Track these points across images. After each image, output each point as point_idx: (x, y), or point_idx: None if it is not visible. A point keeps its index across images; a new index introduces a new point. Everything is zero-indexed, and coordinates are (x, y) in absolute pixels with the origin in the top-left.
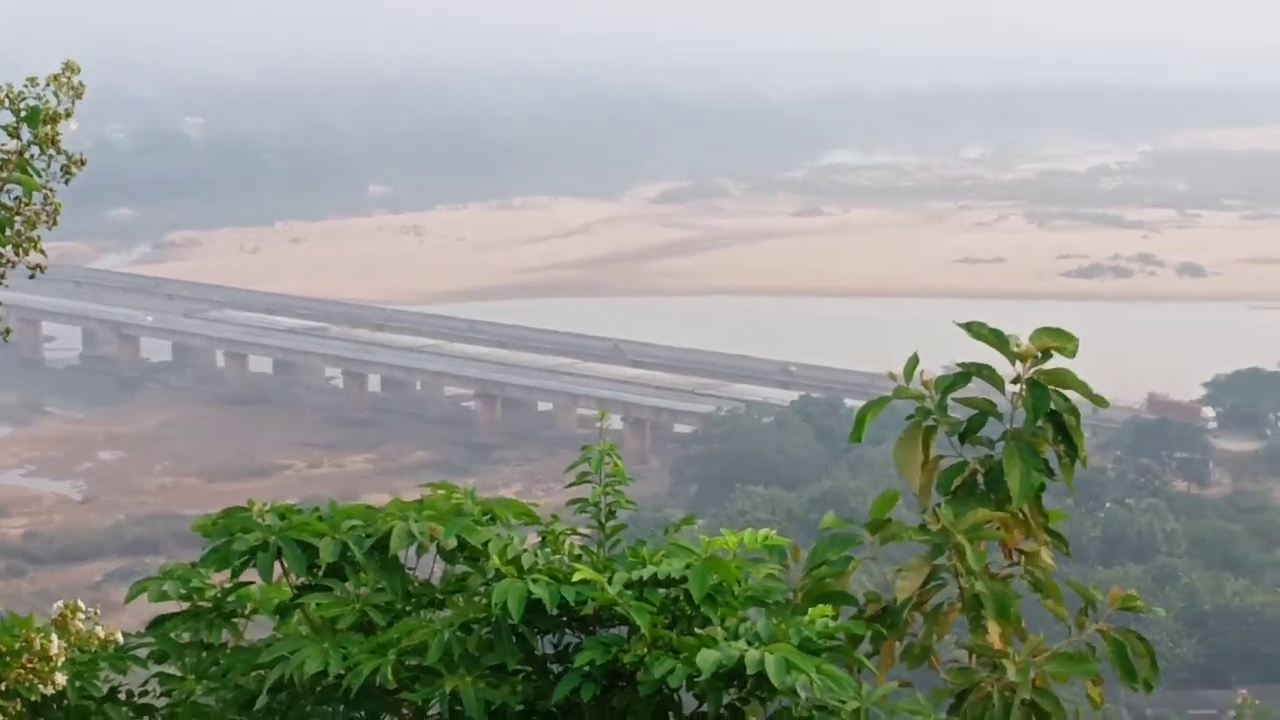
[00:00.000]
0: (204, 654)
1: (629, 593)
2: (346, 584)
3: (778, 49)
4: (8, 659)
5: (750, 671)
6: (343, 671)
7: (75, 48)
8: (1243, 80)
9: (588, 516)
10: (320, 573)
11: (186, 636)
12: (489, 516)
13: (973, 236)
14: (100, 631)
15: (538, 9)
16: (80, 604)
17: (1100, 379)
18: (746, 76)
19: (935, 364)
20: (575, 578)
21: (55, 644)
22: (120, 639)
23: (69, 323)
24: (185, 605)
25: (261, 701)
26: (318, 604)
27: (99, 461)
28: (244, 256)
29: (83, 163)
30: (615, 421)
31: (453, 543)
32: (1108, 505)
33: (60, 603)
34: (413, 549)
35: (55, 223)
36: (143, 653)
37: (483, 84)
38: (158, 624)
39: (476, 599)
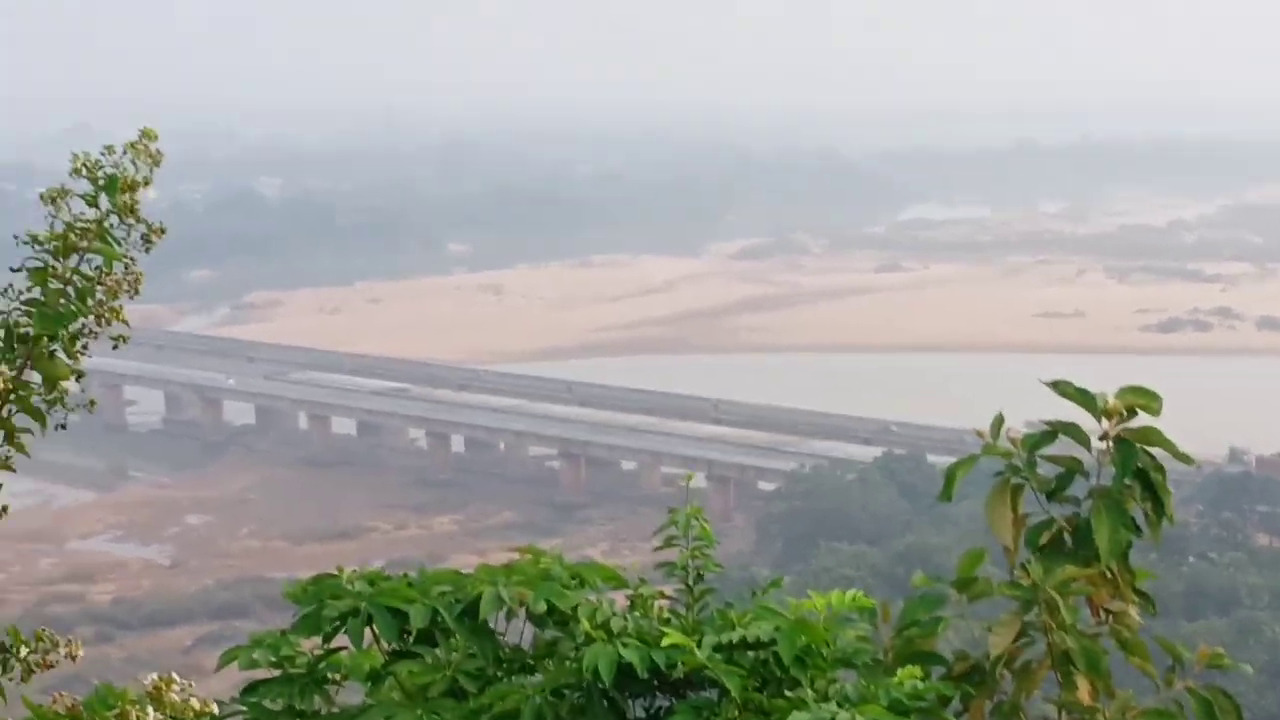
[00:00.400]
0: None
1: (718, 656)
2: (437, 650)
3: (854, 106)
4: None
5: None
6: None
7: (151, 113)
8: None
9: (675, 579)
10: (411, 638)
11: (279, 704)
12: (577, 580)
13: (1052, 291)
14: (195, 703)
15: (615, 68)
16: (175, 676)
17: (1181, 433)
18: (824, 133)
19: (1016, 419)
20: (665, 642)
21: (151, 716)
22: (215, 710)
23: (151, 386)
24: (276, 672)
25: None
26: (409, 671)
27: (185, 526)
28: (324, 317)
29: (162, 231)
30: (699, 479)
31: (542, 608)
32: (1191, 559)
33: (154, 675)
34: (502, 614)
35: (137, 292)
36: None
37: (561, 143)
38: (251, 690)
39: (567, 664)
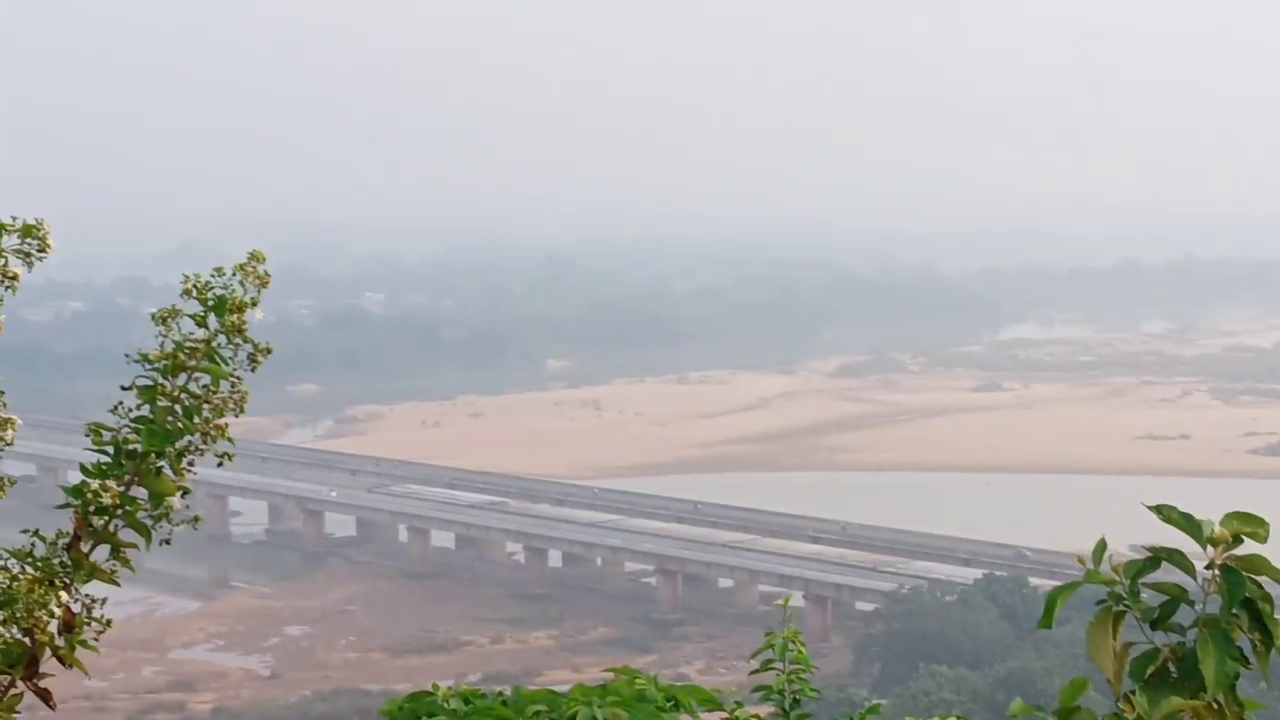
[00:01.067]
0: None
1: None
2: None
3: (951, 221)
4: None
5: None
6: None
7: (261, 229)
8: None
9: (772, 703)
10: None
11: None
12: (672, 702)
13: (1156, 413)
14: None
15: (711, 184)
16: None
17: None
18: (923, 251)
19: (1119, 543)
20: None
21: None
22: None
23: (255, 498)
24: None
25: None
26: None
27: (285, 636)
28: (425, 430)
29: (269, 351)
30: (797, 599)
31: None
32: None
33: None
34: None
35: (242, 410)
36: None
37: (658, 258)
38: None
39: None
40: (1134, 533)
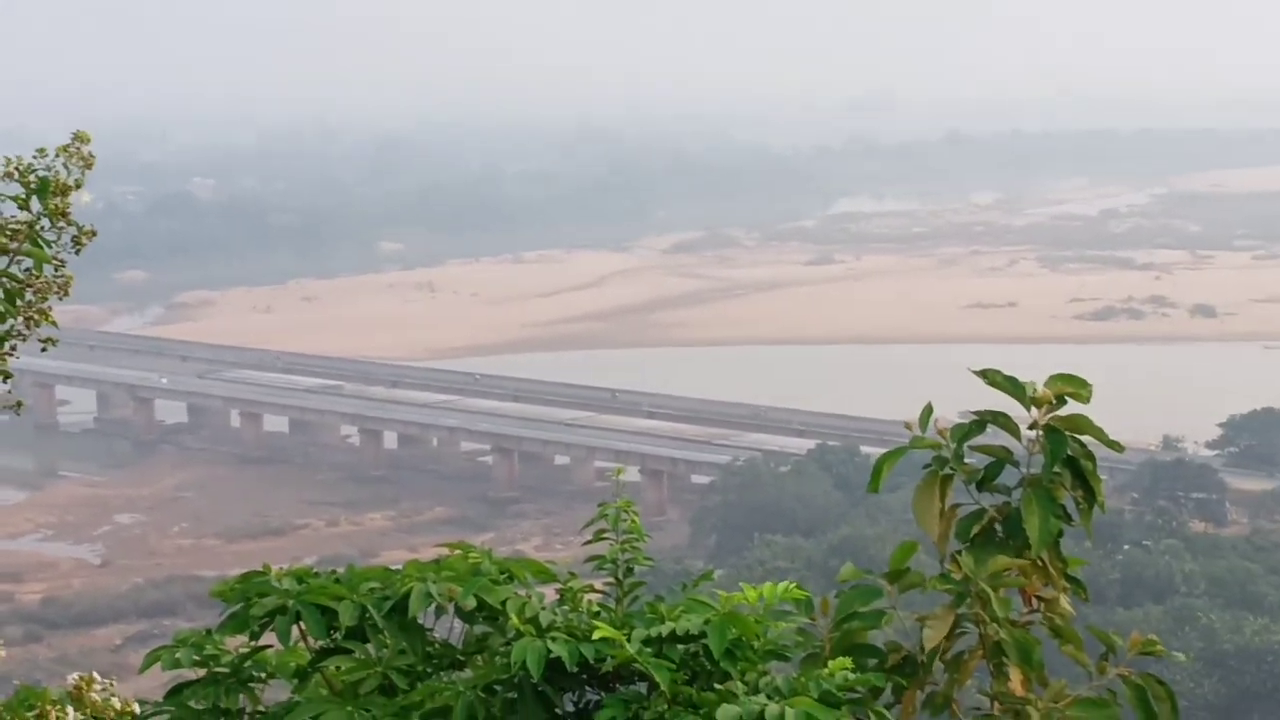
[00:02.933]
0: (219, 719)
1: (648, 649)
2: (367, 647)
3: (785, 100)
4: None
5: None
6: None
7: (83, 115)
8: (1251, 121)
9: (606, 573)
10: (339, 636)
11: (205, 704)
12: (506, 575)
13: (985, 281)
14: (116, 702)
15: (543, 65)
16: (96, 675)
17: (1115, 421)
18: (754, 128)
19: (951, 410)
20: (595, 635)
21: (71, 716)
22: (136, 709)
23: (83, 386)
24: (201, 672)
25: None
26: (339, 667)
27: (116, 525)
28: (257, 316)
29: (93, 234)
30: (633, 473)
31: (471, 603)
32: (1126, 547)
33: (75, 674)
34: (431, 610)
35: (66, 294)
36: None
37: (491, 139)
38: (175, 693)
39: (498, 659)
40: (965, 400)
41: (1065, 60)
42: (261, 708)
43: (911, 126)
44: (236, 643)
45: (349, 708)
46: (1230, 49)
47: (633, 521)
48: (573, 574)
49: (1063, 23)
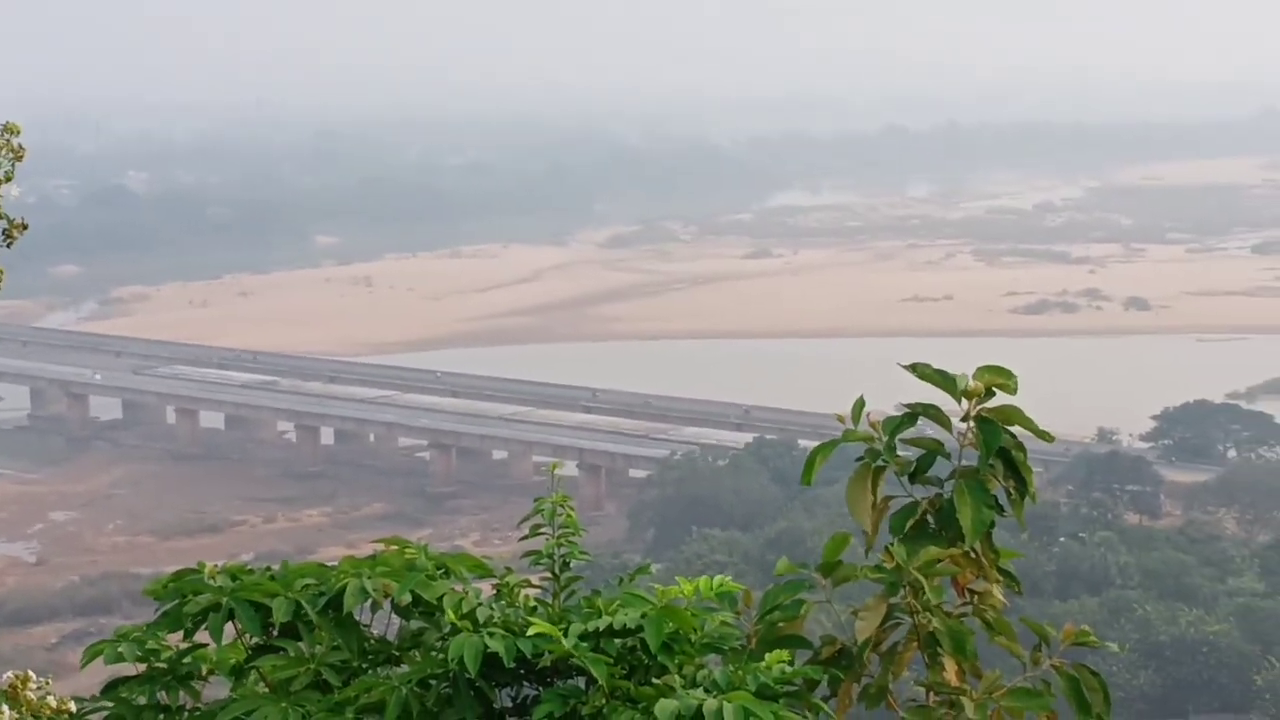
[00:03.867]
0: (160, 717)
1: (585, 644)
2: (301, 644)
3: (723, 94)
4: None
5: None
6: None
7: (15, 106)
8: (1183, 115)
9: (543, 568)
10: (275, 632)
11: (143, 700)
12: (443, 571)
13: (921, 275)
14: (52, 700)
15: (483, 57)
16: (31, 674)
17: (1049, 414)
18: (693, 122)
19: (887, 403)
20: (530, 631)
21: (6, 715)
22: (73, 708)
23: (15, 382)
24: (141, 667)
25: None
26: (272, 665)
27: (51, 522)
28: (192, 311)
29: (24, 227)
30: (570, 468)
31: (407, 599)
32: (1061, 539)
33: (10, 673)
34: (367, 606)
35: None
36: (99, 718)
37: (429, 133)
38: (113, 687)
39: (433, 654)
40: (902, 393)
41: (1001, 53)
42: (200, 705)
43: (850, 120)
44: (178, 639)
45: (283, 704)
46: (1163, 42)
47: (569, 516)
48: (509, 569)
49: (998, 16)
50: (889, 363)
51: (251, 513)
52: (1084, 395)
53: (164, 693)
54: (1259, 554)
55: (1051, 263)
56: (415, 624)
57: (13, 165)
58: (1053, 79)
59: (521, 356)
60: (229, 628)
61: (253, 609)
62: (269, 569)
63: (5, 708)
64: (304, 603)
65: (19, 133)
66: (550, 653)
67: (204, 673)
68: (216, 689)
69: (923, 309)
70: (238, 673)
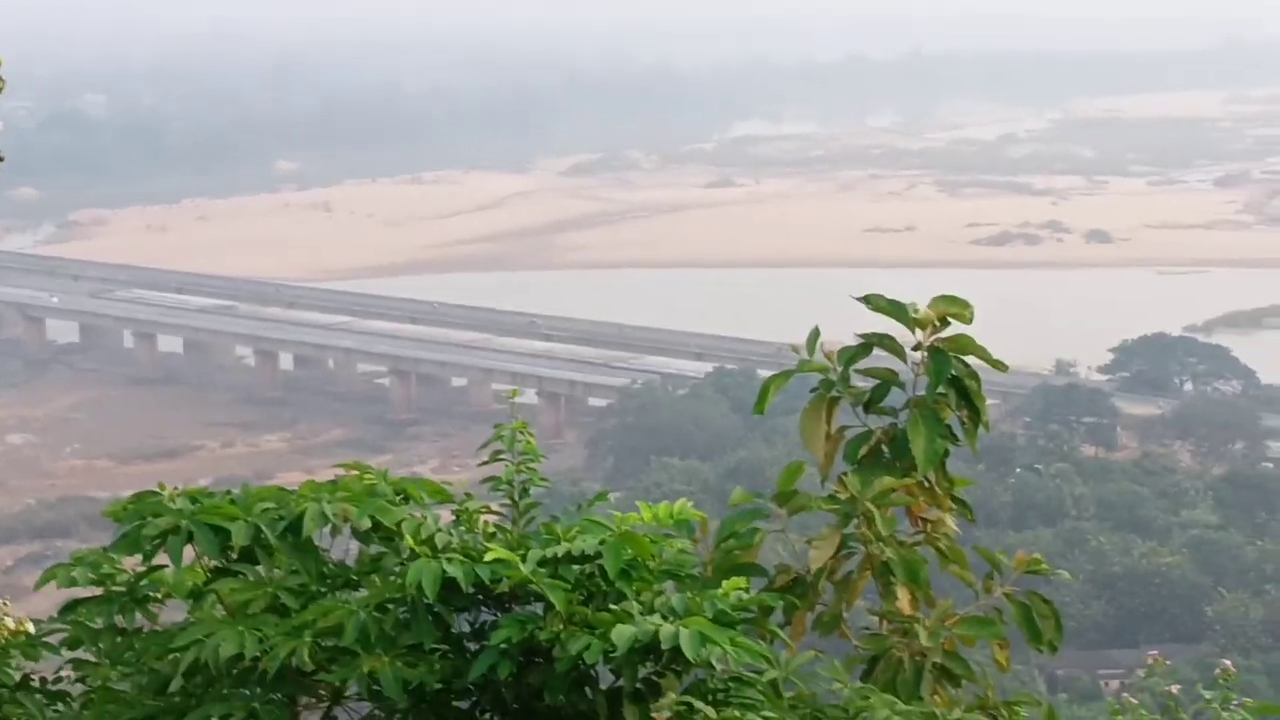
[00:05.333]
0: (118, 639)
1: (543, 570)
2: (259, 567)
3: (686, 19)
4: None
5: (665, 646)
6: (258, 654)
7: None
8: (1146, 46)
9: (502, 494)
10: (233, 556)
11: (100, 622)
12: (402, 496)
13: (883, 205)
14: (10, 621)
15: None
16: None
17: (1009, 345)
18: (655, 47)
19: (847, 334)
20: (488, 557)
21: None
22: (31, 629)
23: None
24: (98, 590)
25: (175, 685)
26: (230, 588)
27: (7, 445)
28: (150, 235)
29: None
30: (530, 396)
31: (366, 524)
32: (1018, 471)
33: None
34: (326, 531)
35: None
36: (56, 639)
37: (389, 55)
38: (70, 609)
39: (392, 579)
40: (862, 324)
41: None
42: (157, 627)
43: (813, 46)
44: (134, 563)
45: (240, 627)
46: None
47: (528, 443)
48: (469, 495)
49: None
50: (849, 294)
51: (210, 438)
52: (1044, 327)
53: (121, 615)
54: (1213, 486)
55: (1014, 194)
56: (374, 549)
57: None
58: (1016, 7)
59: (482, 284)
60: (187, 551)
61: (212, 532)
62: (229, 493)
63: None
64: (263, 526)
65: (1, 63)
66: (508, 578)
67: (160, 595)
68: (173, 612)
69: (884, 239)
70: (195, 596)
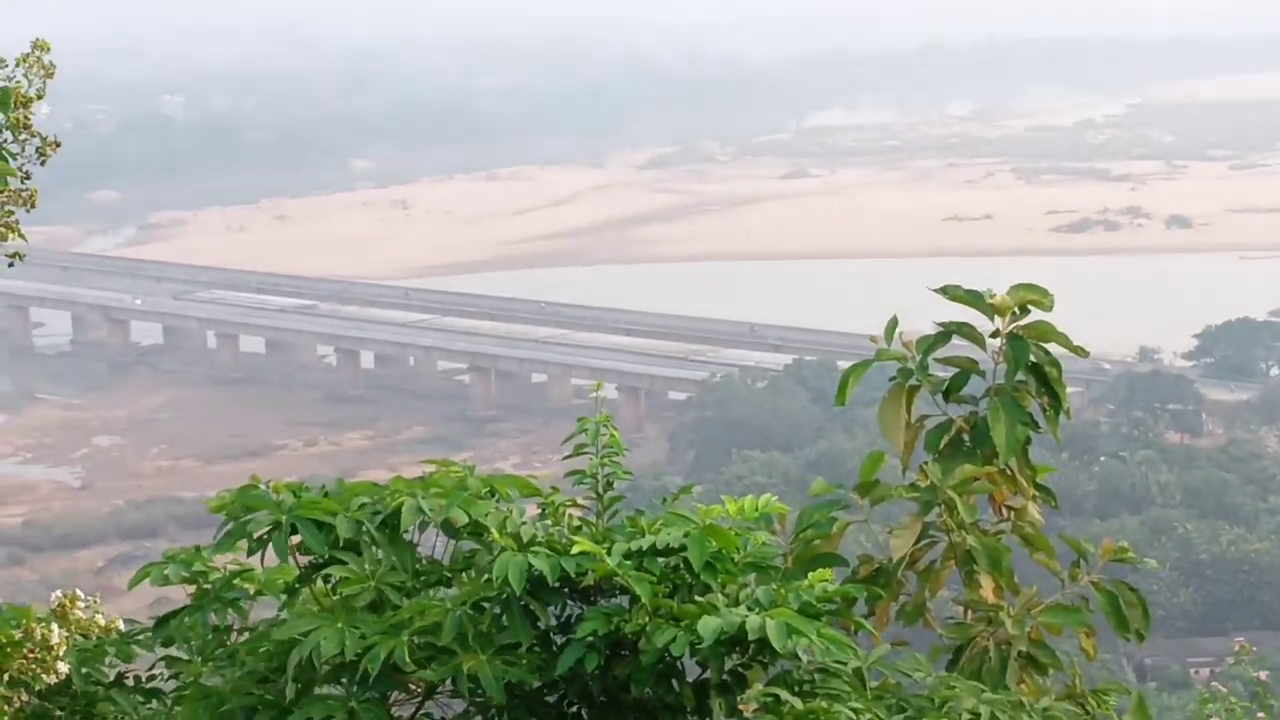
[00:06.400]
0: (209, 636)
1: (629, 563)
2: (349, 565)
3: (759, 12)
4: (9, 650)
5: (752, 637)
6: (359, 652)
7: (49, 32)
8: (1223, 30)
9: (586, 488)
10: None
11: (190, 619)
12: (490, 491)
13: (961, 194)
14: (101, 620)
15: None
16: (79, 593)
17: (1091, 332)
18: (729, 40)
19: (926, 324)
20: (574, 550)
21: (56, 633)
22: (121, 625)
23: (57, 308)
24: (190, 588)
25: (284, 683)
26: (342, 579)
27: (95, 447)
28: (230, 235)
29: (58, 144)
30: (610, 390)
31: (463, 518)
32: (1102, 459)
33: (59, 592)
34: (415, 527)
35: (34, 205)
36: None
37: (464, 55)
38: (164, 623)
39: (485, 578)
40: (941, 314)
41: None
42: (249, 624)
43: (888, 35)
44: (223, 560)
45: (339, 624)
46: None
47: (612, 436)
48: (554, 489)
49: None
50: (928, 284)
51: (293, 437)
52: (1126, 314)
53: (213, 614)
54: None
55: (1093, 181)
56: (466, 545)
57: (44, 83)
58: None
59: (560, 279)
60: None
61: (315, 527)
62: (324, 488)
63: (56, 626)
64: (364, 521)
65: (49, 49)
66: (593, 571)
67: (253, 593)
68: (261, 609)
69: (962, 228)
70: (290, 591)
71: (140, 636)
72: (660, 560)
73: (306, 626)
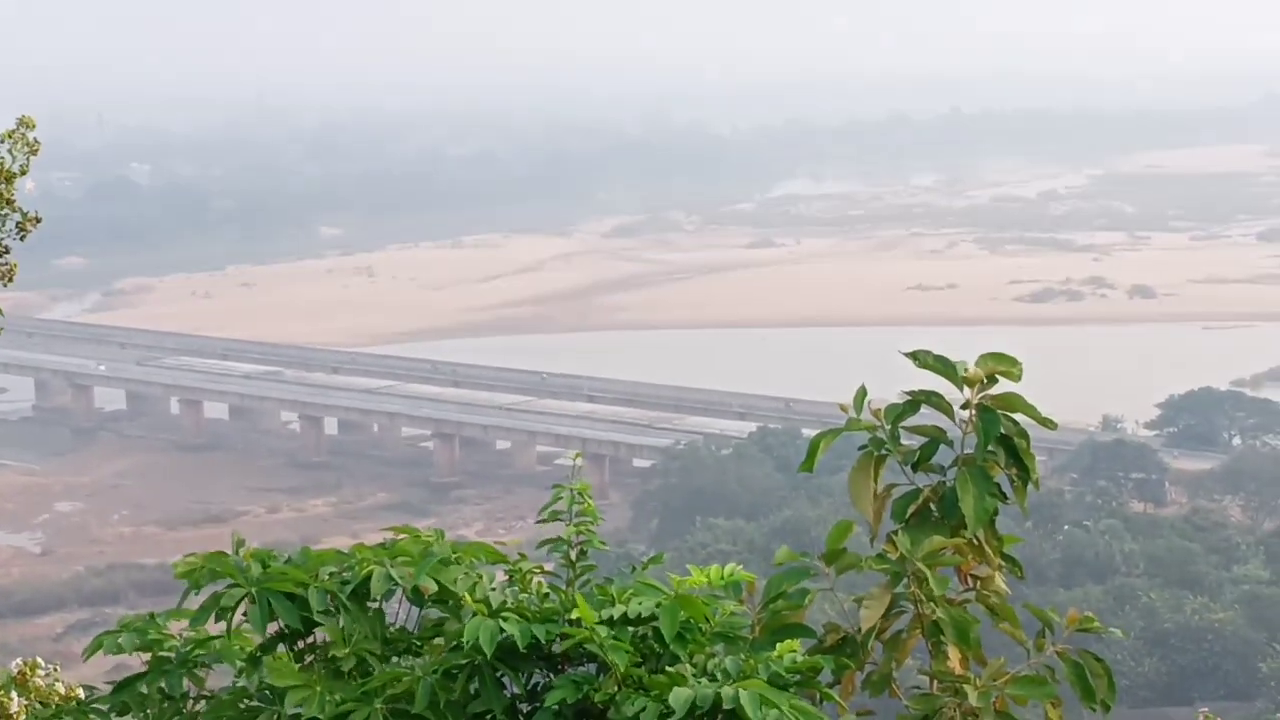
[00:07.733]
0: (165, 704)
1: (604, 631)
2: (316, 631)
3: (725, 83)
4: None
5: (727, 707)
6: (335, 719)
7: (15, 100)
8: (1185, 103)
9: (554, 554)
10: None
11: (147, 689)
12: (457, 558)
13: (925, 264)
14: (60, 687)
15: (484, 50)
16: (40, 660)
17: (1054, 402)
18: (696, 111)
19: (890, 392)
20: (573, 614)
21: (15, 701)
22: (81, 694)
23: (20, 374)
24: (145, 656)
25: None
26: (339, 636)
27: (56, 513)
28: (196, 302)
29: (38, 220)
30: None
31: (432, 586)
32: (1066, 527)
33: (19, 660)
34: (379, 595)
35: (10, 280)
36: (105, 705)
37: (431, 125)
38: (123, 688)
39: (454, 644)
40: (904, 382)
41: (1002, 38)
42: (207, 692)
43: (854, 106)
44: (178, 627)
45: (318, 688)
46: (1161, 29)
47: (587, 504)
48: (522, 555)
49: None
50: (893, 352)
51: (256, 503)
52: (1089, 383)
53: (169, 682)
54: (1264, 541)
55: (1056, 251)
56: (433, 612)
57: (28, 159)
58: (1053, 66)
59: (524, 346)
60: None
61: (287, 600)
62: (289, 557)
63: (15, 694)
64: (335, 591)
65: (34, 126)
66: (571, 638)
67: (209, 661)
68: (218, 678)
69: (927, 298)
70: (252, 660)
71: (99, 705)
72: (630, 629)
73: (302, 695)
